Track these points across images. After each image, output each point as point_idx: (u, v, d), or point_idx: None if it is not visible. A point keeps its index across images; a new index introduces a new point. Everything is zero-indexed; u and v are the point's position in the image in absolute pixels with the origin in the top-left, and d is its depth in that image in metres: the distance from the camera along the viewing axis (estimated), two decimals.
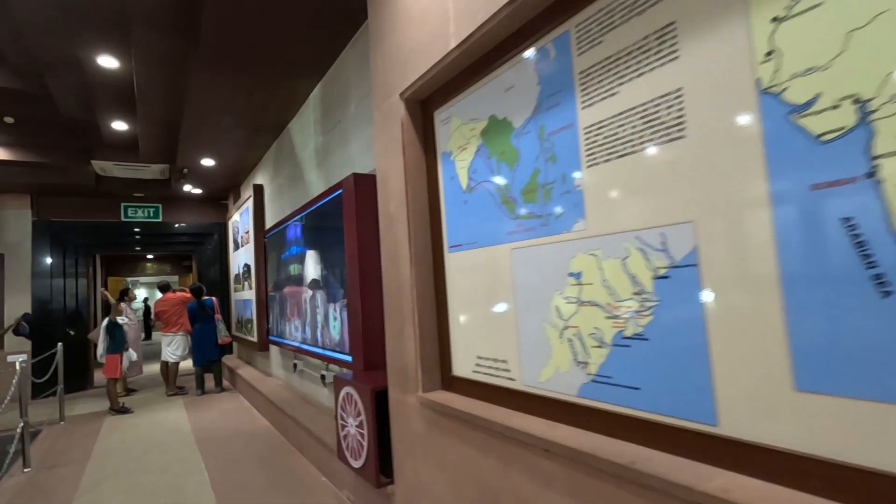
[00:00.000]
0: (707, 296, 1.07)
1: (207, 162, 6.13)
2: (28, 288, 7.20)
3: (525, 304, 1.60)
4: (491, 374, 1.76)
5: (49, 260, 7.47)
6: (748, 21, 0.99)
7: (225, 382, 6.96)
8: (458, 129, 1.91)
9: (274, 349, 5.61)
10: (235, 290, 7.38)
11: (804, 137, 0.91)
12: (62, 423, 5.39)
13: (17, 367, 4.08)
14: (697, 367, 1.09)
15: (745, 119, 1.00)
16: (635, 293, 1.23)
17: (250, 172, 6.76)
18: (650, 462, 1.11)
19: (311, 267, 3.94)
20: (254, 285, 5.93)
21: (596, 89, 1.32)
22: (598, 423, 1.33)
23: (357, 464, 2.50)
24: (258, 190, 6.02)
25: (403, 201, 2.09)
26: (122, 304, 6.55)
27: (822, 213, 0.89)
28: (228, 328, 7.22)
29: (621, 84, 1.25)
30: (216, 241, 8.74)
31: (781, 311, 0.95)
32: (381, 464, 2.34)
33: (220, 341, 6.63)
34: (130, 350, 6.27)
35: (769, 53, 0.96)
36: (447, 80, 1.93)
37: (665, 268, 1.16)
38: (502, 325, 1.70)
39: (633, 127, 1.22)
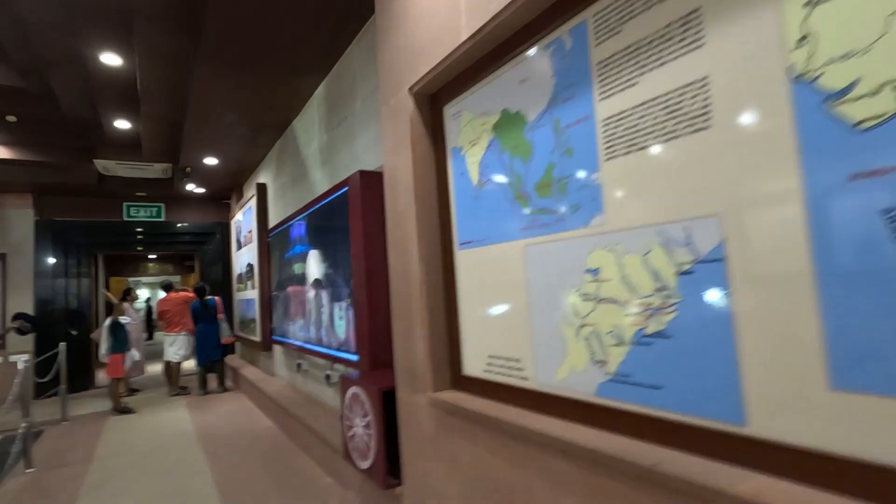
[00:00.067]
0: (735, 291, 1.03)
1: (210, 161, 6.11)
2: (30, 287, 7.18)
3: (539, 301, 1.57)
4: (503, 374, 1.73)
5: (51, 259, 7.45)
6: (780, 6, 0.95)
7: (228, 382, 6.94)
8: (468, 123, 1.88)
9: (277, 349, 5.57)
10: (238, 290, 7.35)
11: (841, 126, 0.87)
12: (65, 423, 5.36)
13: (20, 366, 4.05)
14: (725, 365, 1.06)
15: (776, 108, 0.96)
16: (657, 289, 1.19)
17: (253, 171, 6.73)
18: (675, 464, 1.07)
19: (316, 266, 3.91)
20: (257, 285, 5.90)
21: (615, 80, 1.29)
22: (617, 423, 1.30)
23: (364, 465, 2.46)
24: (261, 189, 5.99)
25: (412, 198, 2.05)
26: (125, 304, 6.53)
27: (860, 204, 0.85)
28: (232, 328, 7.19)
29: (642, 74, 1.22)
30: (219, 240, 8.71)
31: (816, 307, 0.91)
32: (389, 465, 2.31)
33: (223, 341, 6.60)
34: (133, 350, 6.24)
35: (802, 39, 0.92)
36: (458, 74, 1.89)
37: (689, 263, 1.12)
38: (515, 324, 1.67)
39: (655, 118, 1.18)
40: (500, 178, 1.72)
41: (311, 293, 4.02)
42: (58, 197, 7.54)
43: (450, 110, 1.99)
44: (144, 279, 17.40)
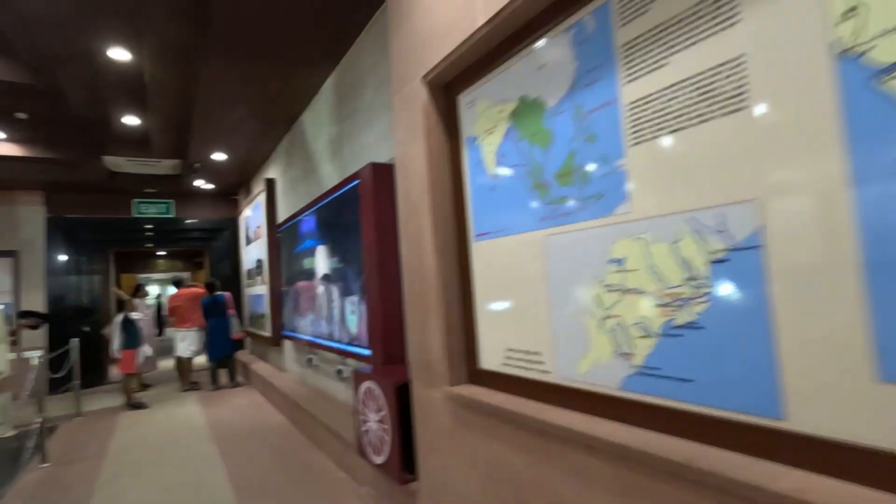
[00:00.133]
0: (773, 280, 0.99)
1: (219, 156, 6.10)
2: (41, 284, 7.23)
3: (560, 292, 1.53)
4: (522, 367, 1.69)
5: (62, 256, 7.50)
6: None
7: (239, 378, 6.96)
8: (484, 112, 1.83)
9: (287, 344, 5.57)
10: (248, 286, 7.37)
11: (891, 102, 0.82)
12: (79, 418, 5.40)
13: (35, 362, 4.07)
14: (761, 357, 1.01)
15: (819, 85, 0.91)
16: (688, 279, 1.14)
17: (262, 166, 6.71)
18: (709, 459, 1.03)
19: (327, 260, 3.88)
20: (266, 280, 5.90)
21: (641, 62, 1.24)
22: (644, 417, 1.26)
23: (379, 460, 2.44)
24: (270, 184, 5.98)
25: (426, 189, 2.02)
26: (136, 300, 6.56)
27: None
28: (241, 323, 7.21)
29: (671, 55, 1.17)
30: (228, 236, 8.73)
31: (863, 296, 0.86)
32: (404, 460, 2.28)
33: (233, 336, 6.62)
34: (145, 346, 6.27)
35: (849, 11, 0.87)
36: (473, 61, 1.84)
37: (723, 251, 1.07)
38: (535, 316, 1.63)
39: (686, 100, 1.13)
40: (518, 167, 1.68)
41: (322, 288, 4.00)
42: (68, 194, 7.57)
43: (464, 99, 1.95)
44: (154, 276, 17.52)
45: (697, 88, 1.11)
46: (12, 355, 5.27)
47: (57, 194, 7.51)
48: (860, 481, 0.87)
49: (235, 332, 6.65)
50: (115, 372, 7.23)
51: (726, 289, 1.07)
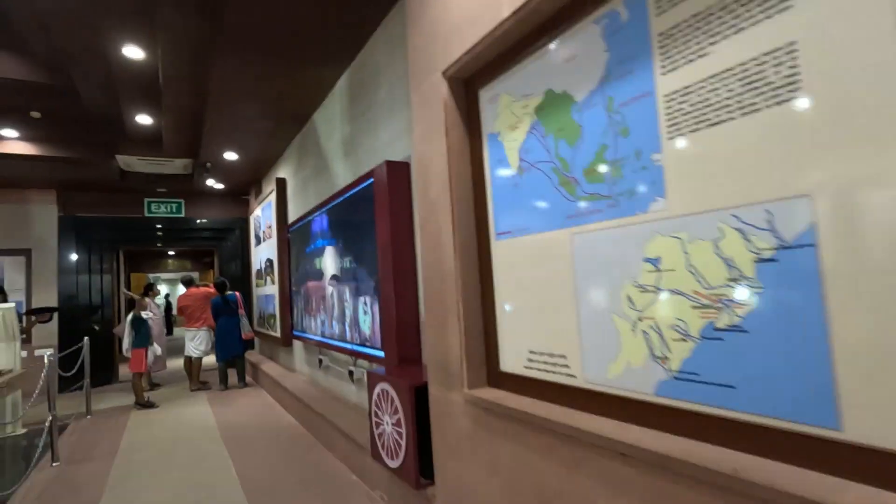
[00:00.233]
0: (829, 281, 0.92)
1: (230, 156, 6.09)
2: (53, 282, 7.26)
3: (588, 293, 1.47)
4: (546, 370, 1.63)
5: (75, 255, 7.53)
6: None
7: (248, 378, 6.94)
8: (507, 107, 1.78)
9: (297, 344, 5.54)
10: (257, 286, 7.35)
11: None
12: (89, 416, 5.40)
13: (46, 361, 4.07)
14: (815, 363, 0.95)
15: (884, 70, 0.85)
16: (731, 279, 1.08)
17: (273, 166, 6.70)
18: (757, 471, 0.97)
19: (339, 260, 3.85)
20: (276, 280, 5.88)
21: (680, 52, 1.18)
22: (681, 424, 1.20)
23: (394, 464, 2.39)
24: (281, 183, 5.96)
25: (446, 187, 1.97)
26: (147, 299, 6.56)
27: None
28: (251, 323, 7.20)
29: (713, 44, 1.11)
30: (238, 236, 8.73)
31: None
32: (421, 464, 2.23)
33: (243, 336, 6.60)
34: (155, 345, 6.28)
35: None
36: (497, 54, 1.79)
37: (771, 249, 1.01)
38: (560, 317, 1.57)
39: (730, 90, 1.08)
40: (543, 164, 1.62)
41: (334, 288, 3.96)
42: (81, 193, 7.61)
43: (486, 94, 1.90)
44: (163, 275, 17.62)
45: (742, 78, 1.05)
46: (24, 353, 5.28)
47: (70, 193, 7.55)
48: None
49: (245, 332, 6.64)
50: (124, 370, 7.25)
51: (774, 289, 1.01)
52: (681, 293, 1.19)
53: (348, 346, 3.63)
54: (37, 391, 3.99)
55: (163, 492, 3.18)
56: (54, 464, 3.81)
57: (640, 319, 1.31)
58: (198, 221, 8.58)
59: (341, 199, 3.71)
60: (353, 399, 3.93)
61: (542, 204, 1.64)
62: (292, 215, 5.67)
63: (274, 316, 6.21)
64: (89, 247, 7.74)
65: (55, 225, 7.37)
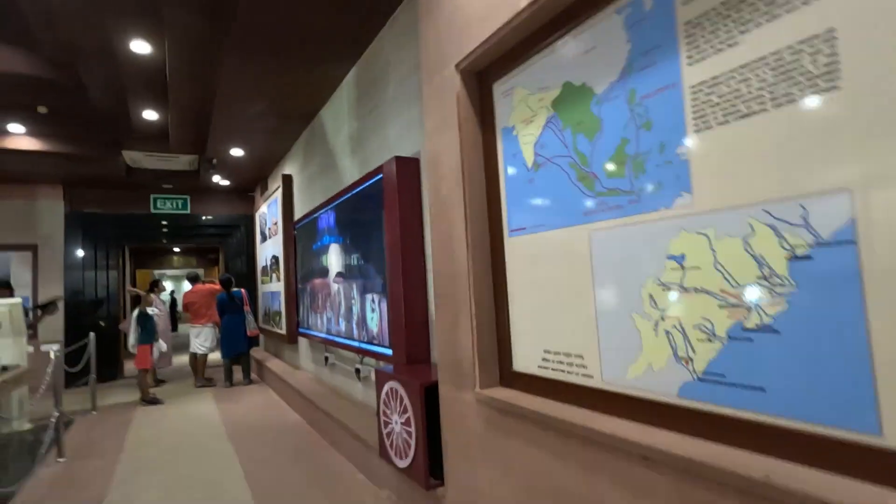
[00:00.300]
0: (869, 280, 0.88)
1: (236, 152, 6.07)
2: (59, 278, 7.26)
3: (607, 291, 1.43)
4: (562, 371, 1.60)
5: (81, 251, 7.54)
6: None
7: (253, 375, 6.94)
8: (522, 100, 1.74)
9: (303, 341, 5.52)
10: (262, 283, 7.34)
11: None
12: (95, 412, 5.40)
13: (52, 356, 4.06)
14: (853, 365, 0.91)
15: None
16: (761, 278, 1.04)
17: (279, 162, 6.68)
18: (790, 477, 0.93)
19: (347, 257, 3.81)
20: (282, 277, 5.86)
21: (708, 41, 1.14)
22: (706, 428, 1.15)
23: (403, 463, 2.36)
24: (287, 180, 5.93)
25: (459, 182, 1.93)
26: (152, 295, 6.56)
27: None
28: (256, 320, 7.19)
29: (744, 32, 1.07)
30: (243, 232, 8.72)
31: None
32: (431, 464, 2.20)
33: (248, 333, 6.59)
34: (160, 341, 6.27)
35: None
36: (512, 46, 1.75)
37: (806, 246, 0.97)
38: (577, 316, 1.53)
39: (762, 81, 1.03)
40: (560, 158, 1.58)
41: (341, 285, 3.93)
42: (87, 189, 7.61)
43: (500, 87, 1.86)
44: (169, 272, 17.66)
45: (776, 68, 1.01)
46: (30, 348, 5.28)
47: (76, 189, 7.55)
48: None
49: (251, 329, 6.62)
50: (129, 367, 7.25)
51: (809, 289, 0.97)
52: (707, 292, 1.15)
53: (355, 343, 3.60)
54: (43, 387, 3.98)
55: (169, 489, 3.17)
56: (60, 459, 3.80)
57: (662, 319, 1.26)
58: (203, 218, 8.58)
59: (349, 195, 3.68)
60: (359, 397, 3.90)
61: (558, 200, 1.60)
62: (298, 212, 5.65)
63: (279, 313, 6.19)
64: (95, 243, 7.75)
65: (62, 221, 7.37)
